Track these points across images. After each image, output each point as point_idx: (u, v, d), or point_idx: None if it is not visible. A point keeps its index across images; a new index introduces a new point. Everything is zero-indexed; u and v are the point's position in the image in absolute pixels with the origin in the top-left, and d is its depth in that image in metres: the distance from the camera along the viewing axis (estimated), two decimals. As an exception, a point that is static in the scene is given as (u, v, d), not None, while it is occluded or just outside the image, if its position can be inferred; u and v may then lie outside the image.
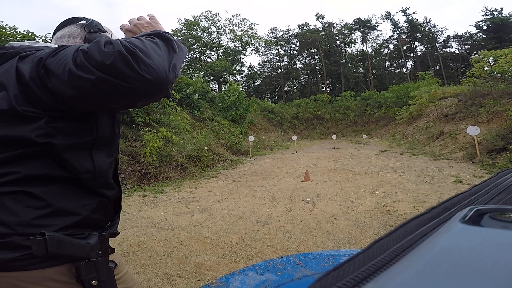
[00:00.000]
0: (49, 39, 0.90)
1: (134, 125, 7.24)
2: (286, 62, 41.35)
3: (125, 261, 0.83)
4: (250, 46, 34.02)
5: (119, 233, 0.87)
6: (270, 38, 38.66)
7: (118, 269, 0.77)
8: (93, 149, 0.73)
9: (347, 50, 40.07)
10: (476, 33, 35.51)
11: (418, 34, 37.25)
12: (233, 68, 31.45)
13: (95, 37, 0.85)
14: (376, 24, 38.76)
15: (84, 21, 0.89)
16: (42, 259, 0.62)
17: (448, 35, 38.13)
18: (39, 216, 0.63)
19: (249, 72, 39.56)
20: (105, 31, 0.91)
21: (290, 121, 24.13)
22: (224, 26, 32.69)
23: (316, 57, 39.13)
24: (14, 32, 5.94)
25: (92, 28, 0.87)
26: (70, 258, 0.65)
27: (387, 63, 41.88)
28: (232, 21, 33.39)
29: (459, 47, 37.58)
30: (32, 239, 0.60)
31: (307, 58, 40.59)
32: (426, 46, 37.56)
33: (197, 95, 12.81)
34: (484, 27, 34.06)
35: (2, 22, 6.03)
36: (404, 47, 37.30)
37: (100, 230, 0.73)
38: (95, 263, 0.67)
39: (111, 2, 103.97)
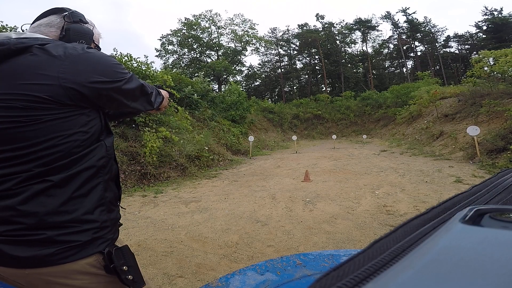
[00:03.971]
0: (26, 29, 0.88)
1: (134, 125, 7.23)
2: (286, 62, 41.35)
3: None
4: (250, 46, 34.05)
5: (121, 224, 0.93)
6: (270, 38, 38.64)
7: None
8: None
9: (347, 50, 40.08)
10: (476, 33, 35.49)
11: (418, 34, 37.20)
12: (233, 68, 31.43)
13: (74, 27, 0.85)
14: (376, 24, 38.75)
15: (66, 12, 0.88)
16: (75, 251, 0.69)
17: (448, 35, 38.15)
18: None
19: (249, 72, 39.54)
20: (86, 23, 0.90)
21: (290, 121, 24.10)
22: (225, 26, 32.70)
23: (316, 57, 39.10)
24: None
25: (73, 18, 0.86)
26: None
27: (387, 63, 41.85)
28: (233, 21, 33.39)
29: (459, 47, 37.56)
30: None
31: (307, 58, 40.57)
32: (426, 46, 37.51)
33: (196, 94, 12.80)
34: (484, 27, 34.01)
35: (1, 22, 6.01)
36: (404, 47, 37.28)
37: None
38: (122, 250, 0.75)
39: (117, 2, 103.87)
